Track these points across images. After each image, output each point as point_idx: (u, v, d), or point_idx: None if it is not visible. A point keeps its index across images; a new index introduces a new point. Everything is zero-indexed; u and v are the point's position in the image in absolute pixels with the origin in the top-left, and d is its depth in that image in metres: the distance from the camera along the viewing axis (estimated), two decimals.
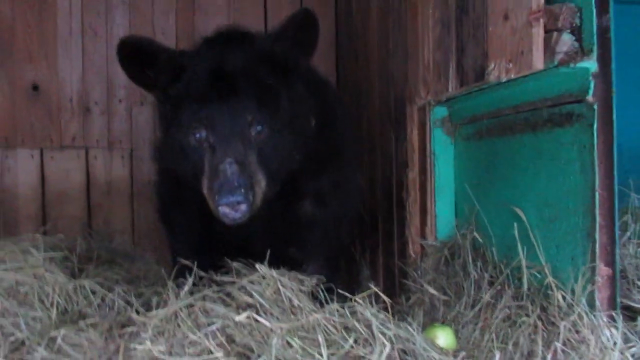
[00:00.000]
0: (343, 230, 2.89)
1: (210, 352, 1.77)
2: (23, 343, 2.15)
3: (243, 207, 2.08)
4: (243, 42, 2.34)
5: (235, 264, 2.27)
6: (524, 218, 2.18)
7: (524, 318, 2.03)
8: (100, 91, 4.13)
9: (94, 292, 2.54)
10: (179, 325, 1.88)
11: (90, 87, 4.13)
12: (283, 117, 2.28)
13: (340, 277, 2.91)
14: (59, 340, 2.07)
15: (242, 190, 2.04)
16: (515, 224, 2.19)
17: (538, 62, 1.87)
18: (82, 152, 4.09)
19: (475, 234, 2.50)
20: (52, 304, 2.41)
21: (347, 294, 2.09)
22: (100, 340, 2.05)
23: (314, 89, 2.54)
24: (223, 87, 2.19)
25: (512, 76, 2.00)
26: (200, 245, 2.61)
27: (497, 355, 1.85)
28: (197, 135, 2.21)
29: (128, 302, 2.40)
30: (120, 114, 4.15)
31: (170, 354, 1.79)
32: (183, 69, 2.28)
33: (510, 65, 2.00)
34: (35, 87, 4.03)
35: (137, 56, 2.28)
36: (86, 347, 2.04)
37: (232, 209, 2.08)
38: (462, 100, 2.59)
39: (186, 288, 2.10)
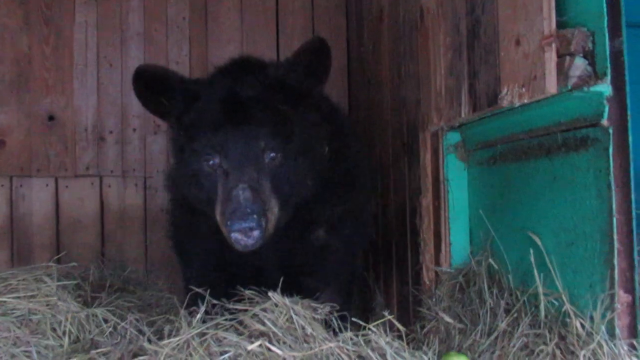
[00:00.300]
0: (356, 258, 2.87)
1: None
2: None
3: (256, 233, 2.07)
4: (256, 70, 2.36)
5: (248, 292, 2.25)
6: (540, 244, 2.14)
7: (542, 347, 1.98)
8: (115, 121, 4.18)
9: (106, 321, 2.54)
10: (191, 355, 1.86)
11: (105, 116, 4.18)
12: (296, 144, 2.28)
13: (353, 305, 2.88)
14: None
15: (255, 216, 2.04)
16: (532, 250, 2.16)
17: (551, 86, 1.86)
18: (96, 181, 4.12)
19: (491, 260, 2.46)
20: (64, 333, 2.40)
21: (361, 322, 2.06)
22: None
23: (327, 117, 2.54)
24: (236, 114, 2.20)
25: (526, 101, 1.99)
26: (213, 273, 2.60)
27: None
28: (211, 162, 2.22)
29: (140, 331, 2.38)
30: (134, 143, 4.18)
31: None
32: (197, 96, 2.29)
33: (524, 89, 1.99)
34: (51, 118, 4.09)
35: (152, 84, 2.31)
36: None
37: (244, 235, 2.07)
38: (475, 125, 2.58)
39: (198, 316, 2.08)
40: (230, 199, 2.08)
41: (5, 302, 2.49)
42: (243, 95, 2.25)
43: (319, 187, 2.42)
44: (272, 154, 2.21)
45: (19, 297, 2.52)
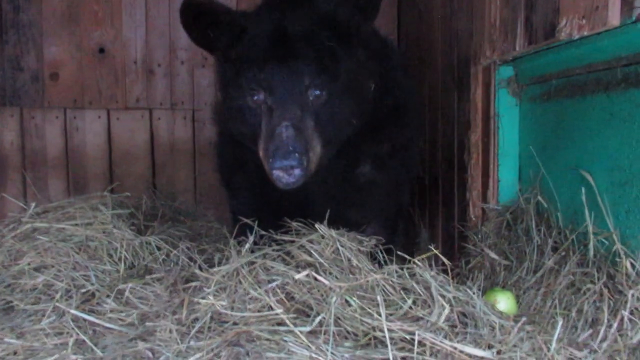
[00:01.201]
0: (402, 193, 2.87)
1: (271, 308, 1.81)
2: (93, 295, 2.26)
3: (297, 171, 2.07)
4: (305, 4, 2.31)
5: (294, 224, 2.29)
6: (592, 182, 2.10)
7: (589, 285, 1.97)
8: (163, 53, 4.20)
9: (159, 249, 2.64)
10: (240, 282, 1.93)
11: (153, 49, 4.20)
12: (342, 82, 2.25)
13: (399, 240, 2.90)
14: (126, 293, 2.17)
15: (297, 154, 2.04)
16: (583, 189, 2.12)
17: (614, 18, 1.77)
18: (146, 113, 4.19)
19: (540, 198, 2.42)
20: (120, 259, 2.52)
21: (406, 255, 2.08)
22: (165, 293, 2.14)
23: (375, 52, 2.49)
24: (283, 50, 2.17)
25: (585, 33, 1.91)
26: (259, 206, 2.65)
27: (560, 321, 1.81)
28: (255, 97, 2.21)
29: (191, 259, 2.48)
30: (182, 76, 4.21)
31: (232, 309, 1.85)
32: (244, 30, 2.27)
33: (584, 21, 1.90)
34: (101, 50, 4.13)
35: (199, 18, 2.28)
36: (152, 300, 2.13)
37: (286, 173, 2.08)
38: (530, 59, 2.49)
39: (247, 246, 2.14)
40: (273, 136, 2.08)
41: (64, 228, 2.61)
42: (290, 30, 2.21)
43: (364, 123, 2.40)
44: (317, 92, 2.19)
45: (76, 225, 2.64)
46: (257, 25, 2.27)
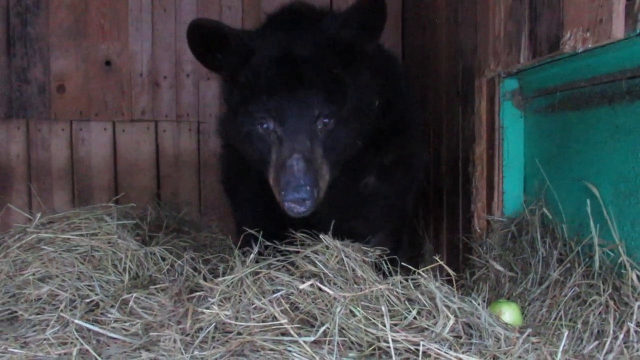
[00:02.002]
0: (407, 204, 2.88)
1: (275, 318, 1.80)
2: (98, 305, 2.26)
3: (308, 203, 2.10)
4: (310, 26, 2.31)
5: (299, 235, 2.30)
6: (597, 194, 2.10)
7: (595, 297, 1.97)
8: (169, 66, 4.23)
9: (164, 259, 2.64)
10: (245, 292, 1.93)
11: (159, 62, 4.23)
12: (348, 107, 2.26)
13: (403, 251, 2.90)
14: (131, 303, 2.17)
15: (309, 188, 2.07)
16: (589, 201, 2.12)
17: (618, 31, 1.78)
18: (152, 125, 4.21)
19: (545, 210, 2.42)
20: (124, 269, 2.52)
21: (410, 267, 2.08)
22: (170, 304, 2.13)
23: (379, 68, 2.50)
24: (292, 80, 2.17)
25: (590, 46, 1.91)
26: (264, 217, 2.65)
27: (566, 333, 1.80)
28: (265, 126, 2.21)
29: (196, 269, 2.47)
30: (188, 89, 4.24)
31: (237, 319, 1.84)
32: (252, 53, 2.25)
33: (588, 34, 1.91)
34: (108, 63, 4.16)
35: (207, 40, 2.27)
36: (157, 310, 2.12)
37: (297, 204, 2.10)
38: (534, 72, 2.50)
39: (252, 256, 2.14)
40: (285, 168, 2.09)
41: (69, 239, 2.62)
42: (298, 57, 2.20)
43: (370, 137, 2.41)
44: (326, 121, 2.20)
45: (82, 235, 2.64)
46: (264, 49, 2.26)
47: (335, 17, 2.29)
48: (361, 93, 2.33)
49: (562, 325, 1.99)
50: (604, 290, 1.96)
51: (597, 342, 1.83)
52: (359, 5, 2.19)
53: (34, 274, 2.43)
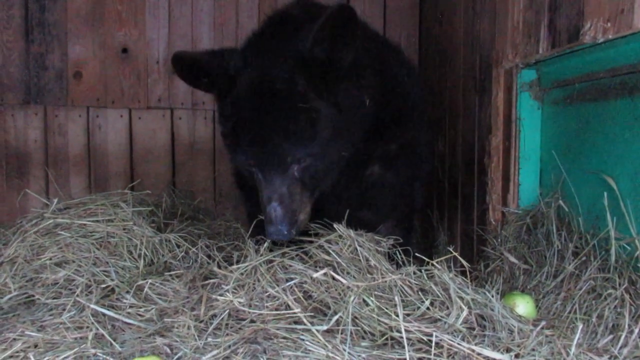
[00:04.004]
0: (415, 192, 2.84)
1: (288, 306, 1.81)
2: (113, 290, 2.28)
3: (287, 235, 2.19)
4: (289, 44, 2.26)
5: (312, 224, 2.30)
6: (614, 187, 2.07)
7: (610, 290, 1.95)
8: None
9: (178, 246, 2.66)
10: (258, 280, 1.94)
11: (175, 49, 4.19)
12: (325, 136, 2.25)
13: (415, 240, 2.89)
14: (146, 289, 2.19)
15: (285, 229, 2.18)
16: (605, 193, 2.09)
17: (639, 21, 1.75)
18: (167, 113, 4.23)
19: (561, 202, 2.40)
20: (139, 255, 2.54)
21: (424, 257, 2.07)
22: (184, 290, 2.15)
23: (369, 62, 2.43)
24: (264, 129, 2.21)
25: (610, 37, 1.89)
26: None
27: (580, 326, 1.79)
28: (250, 169, 2.31)
29: (210, 256, 2.49)
30: None
31: (250, 306, 1.85)
32: (232, 82, 2.30)
33: (609, 24, 1.88)
34: (124, 50, 4.18)
35: (190, 71, 2.37)
36: (171, 296, 2.14)
37: (278, 236, 2.21)
38: (553, 62, 2.47)
39: (266, 244, 2.15)
40: (265, 209, 2.21)
41: (85, 225, 2.64)
42: (270, 95, 2.20)
43: (369, 129, 2.42)
44: (300, 162, 2.25)
45: (98, 221, 2.67)
46: (241, 82, 2.28)
47: (306, 37, 2.20)
48: (342, 107, 2.29)
49: (576, 318, 1.98)
50: (620, 284, 1.94)
51: (611, 336, 1.82)
52: (328, 20, 2.10)
53: (50, 259, 2.46)
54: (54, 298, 2.27)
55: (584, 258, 2.17)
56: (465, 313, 1.75)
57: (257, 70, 2.26)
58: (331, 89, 2.25)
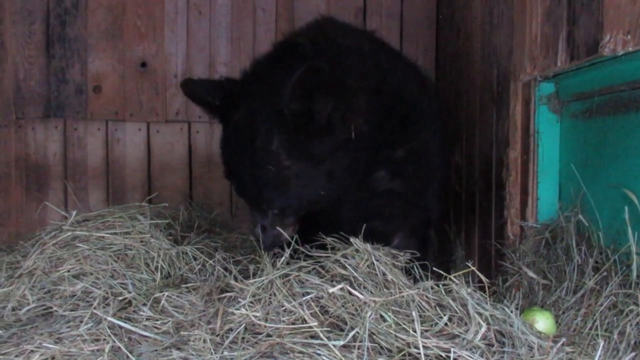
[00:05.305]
0: (428, 202, 2.81)
1: (305, 320, 1.80)
2: (130, 303, 2.29)
3: (273, 248, 2.45)
4: (270, 97, 2.31)
5: (329, 239, 2.29)
6: (636, 201, 2.04)
7: (632, 307, 1.92)
8: (203, 68, 4.27)
9: (195, 259, 2.67)
10: (274, 294, 1.93)
11: (193, 64, 4.27)
12: (298, 189, 2.39)
13: (431, 252, 2.86)
14: (162, 301, 2.19)
15: (270, 246, 2.48)
16: (626, 207, 2.06)
17: None
18: (185, 126, 4.26)
19: (581, 216, 2.37)
20: (156, 268, 2.55)
21: (441, 272, 2.05)
22: (200, 303, 2.15)
23: (360, 84, 2.41)
24: (243, 178, 2.46)
25: (630, 49, 1.87)
26: None
27: (601, 343, 1.76)
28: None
29: (227, 269, 2.49)
30: None
31: (266, 320, 1.85)
32: (228, 115, 2.50)
33: (629, 37, 1.87)
34: (143, 64, 4.23)
35: (193, 97, 2.62)
36: (187, 309, 2.14)
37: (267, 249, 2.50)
38: (571, 75, 2.45)
39: (283, 258, 2.15)
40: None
41: (103, 237, 2.66)
42: (250, 151, 2.36)
43: (375, 137, 2.47)
44: (276, 206, 2.44)
45: (115, 233, 2.68)
46: (232, 122, 2.48)
47: (283, 93, 2.23)
48: (323, 156, 2.34)
49: (597, 335, 1.95)
50: None
51: (633, 354, 1.79)
52: (298, 81, 2.13)
53: (68, 271, 2.47)
54: (72, 310, 2.27)
55: (604, 273, 2.14)
56: (483, 329, 1.73)
57: (244, 117, 2.42)
58: (306, 144, 2.31)
